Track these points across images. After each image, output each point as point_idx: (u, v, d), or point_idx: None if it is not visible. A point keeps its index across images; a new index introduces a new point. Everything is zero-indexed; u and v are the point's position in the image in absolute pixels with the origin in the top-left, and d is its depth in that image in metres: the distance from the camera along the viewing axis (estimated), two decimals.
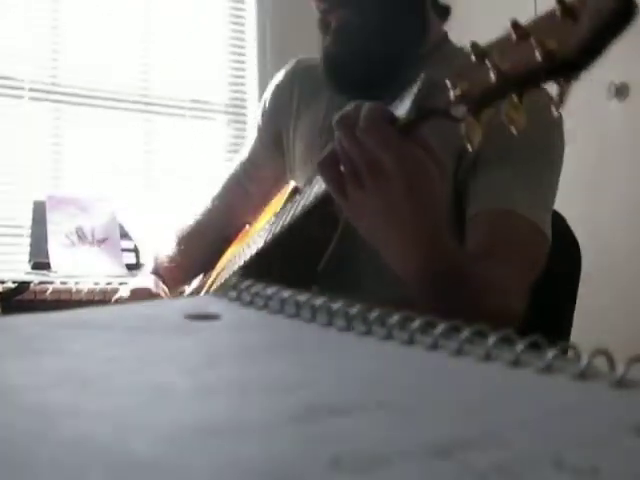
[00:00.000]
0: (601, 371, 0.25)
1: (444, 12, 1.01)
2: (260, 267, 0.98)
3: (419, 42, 0.95)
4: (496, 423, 0.21)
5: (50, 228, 2.12)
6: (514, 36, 0.54)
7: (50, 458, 0.17)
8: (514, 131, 0.55)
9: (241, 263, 1.04)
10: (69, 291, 1.96)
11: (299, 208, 0.85)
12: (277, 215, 0.97)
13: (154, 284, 1.16)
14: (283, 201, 1.04)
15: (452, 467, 0.17)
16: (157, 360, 0.28)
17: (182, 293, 1.27)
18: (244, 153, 1.21)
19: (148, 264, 1.26)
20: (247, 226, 1.21)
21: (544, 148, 0.89)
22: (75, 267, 2.06)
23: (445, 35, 1.00)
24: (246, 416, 0.21)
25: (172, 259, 1.22)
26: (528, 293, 0.81)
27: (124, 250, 2.06)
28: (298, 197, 0.90)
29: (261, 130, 1.17)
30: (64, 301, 1.92)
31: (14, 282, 1.93)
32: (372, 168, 0.63)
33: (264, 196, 1.16)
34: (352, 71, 0.94)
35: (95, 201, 2.24)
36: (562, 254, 1.03)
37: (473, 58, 0.56)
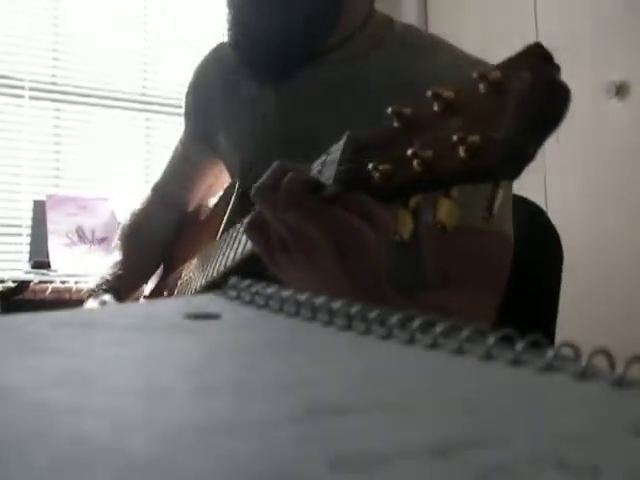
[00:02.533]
0: (601, 371, 0.25)
1: None
2: None
3: (329, 18, 0.89)
4: (496, 422, 0.21)
5: (50, 227, 2.12)
6: (436, 107, 0.46)
7: (49, 457, 0.17)
8: (444, 230, 0.48)
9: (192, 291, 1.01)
10: (69, 290, 1.96)
11: (231, 255, 0.80)
12: (217, 247, 0.92)
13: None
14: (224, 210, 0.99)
15: (452, 466, 0.17)
16: (157, 359, 0.28)
17: (138, 298, 1.23)
18: (179, 146, 1.17)
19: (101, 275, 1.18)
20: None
21: None
22: (75, 266, 2.06)
23: (371, 12, 0.93)
24: (245, 416, 0.21)
25: (119, 265, 1.17)
26: (497, 306, 0.80)
27: None
28: (229, 235, 0.85)
29: (187, 131, 1.13)
30: (64, 300, 1.92)
31: (14, 281, 1.94)
32: (297, 239, 0.59)
33: (203, 190, 1.14)
34: (260, 47, 0.89)
35: (95, 200, 2.24)
36: (542, 248, 1.03)
37: (396, 124, 0.49)
